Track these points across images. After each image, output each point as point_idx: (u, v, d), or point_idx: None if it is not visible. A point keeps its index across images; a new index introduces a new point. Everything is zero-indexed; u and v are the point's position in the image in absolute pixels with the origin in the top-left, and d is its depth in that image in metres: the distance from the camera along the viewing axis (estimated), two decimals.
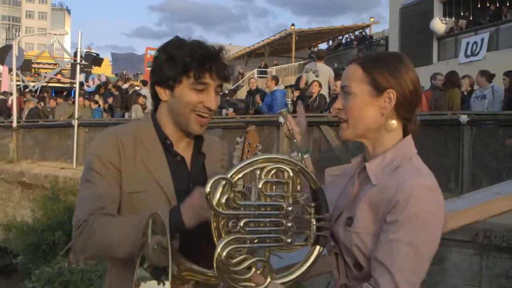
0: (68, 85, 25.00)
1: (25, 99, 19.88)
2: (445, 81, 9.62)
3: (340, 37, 34.25)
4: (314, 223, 1.57)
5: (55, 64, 28.25)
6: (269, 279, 1.50)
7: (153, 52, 25.28)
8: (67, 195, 13.13)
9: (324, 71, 11.08)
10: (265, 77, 29.29)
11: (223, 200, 1.46)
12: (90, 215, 1.80)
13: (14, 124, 16.39)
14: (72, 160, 14.36)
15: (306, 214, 1.57)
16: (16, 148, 16.26)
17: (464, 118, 7.32)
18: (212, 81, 1.88)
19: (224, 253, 1.43)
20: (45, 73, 27.13)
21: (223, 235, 1.46)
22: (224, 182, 1.45)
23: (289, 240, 1.51)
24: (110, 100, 16.91)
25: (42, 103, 19.15)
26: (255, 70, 32.85)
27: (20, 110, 18.47)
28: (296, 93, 12.15)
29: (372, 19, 33.43)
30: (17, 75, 21.44)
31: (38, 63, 28.33)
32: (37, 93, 22.32)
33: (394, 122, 1.73)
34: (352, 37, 31.95)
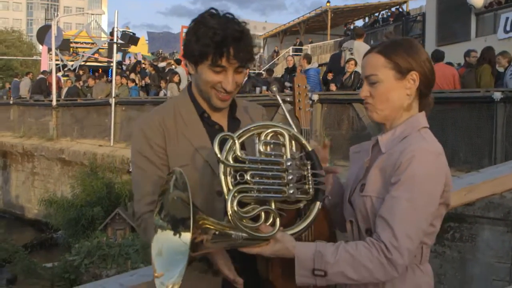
0: (105, 64, 25.35)
1: (64, 78, 20.31)
2: (479, 58, 9.48)
3: (376, 14, 33.78)
4: (311, 178, 1.75)
5: (92, 44, 28.62)
6: (276, 228, 1.67)
7: None
8: (105, 172, 13.46)
9: (362, 49, 10.92)
10: (300, 55, 29.25)
11: (230, 156, 1.66)
12: (145, 212, 1.96)
13: (54, 102, 16.77)
14: (109, 138, 14.69)
15: (303, 169, 1.75)
16: (56, 126, 16.67)
17: (497, 95, 7.24)
18: (229, 65, 1.96)
19: (235, 202, 1.61)
20: (83, 52, 27.53)
21: (231, 186, 1.65)
22: (231, 140, 1.66)
23: (291, 191, 1.70)
24: (146, 78, 17.14)
25: (81, 82, 19.53)
26: (290, 48, 32.70)
27: (60, 89, 18.89)
28: (330, 76, 12.05)
29: None
30: (56, 54, 21.85)
31: (76, 43, 28.72)
32: (75, 72, 22.72)
33: (413, 105, 1.89)
34: (389, 13, 31.47)
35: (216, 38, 1.92)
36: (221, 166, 1.65)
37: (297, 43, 33.75)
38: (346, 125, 9.71)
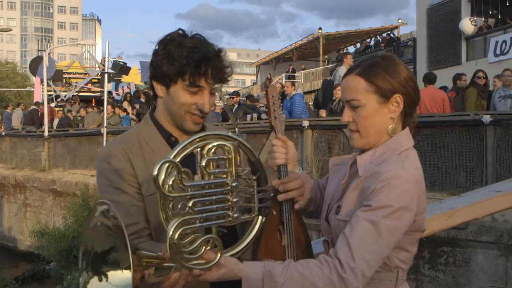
0: (98, 94, 25.35)
1: (57, 108, 20.29)
2: (470, 81, 9.53)
3: (368, 40, 34.07)
4: (257, 195, 1.66)
5: (85, 74, 28.64)
6: (219, 254, 1.56)
7: None
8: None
9: (342, 74, 10.97)
10: (293, 82, 29.38)
11: (170, 182, 1.50)
12: None
13: (46, 133, 16.72)
14: None
15: (248, 187, 1.66)
16: (48, 156, 16.57)
17: (487, 118, 7.22)
18: (206, 84, 1.90)
19: (177, 235, 1.47)
20: (76, 82, 27.54)
21: (172, 217, 1.51)
22: (167, 164, 1.50)
23: (235, 215, 1.59)
24: (137, 106, 17.14)
25: (73, 112, 19.50)
26: (283, 75, 32.88)
27: (52, 119, 18.85)
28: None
29: (400, 21, 33.18)
30: (49, 85, 21.86)
31: (69, 73, 28.72)
32: (66, 101, 22.75)
33: (396, 127, 1.81)
34: (380, 39, 31.75)
35: (194, 57, 1.85)
36: (159, 198, 1.51)
37: (290, 70, 33.95)
38: (337, 151, 9.67)
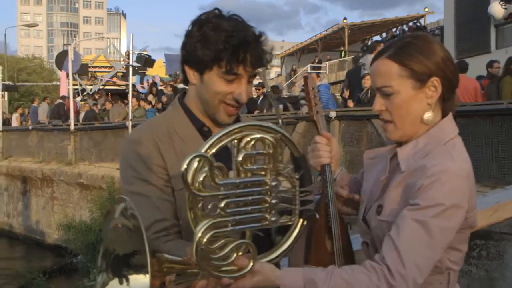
0: (123, 87, 25.47)
1: (82, 102, 20.44)
2: (503, 69, 9.24)
3: (394, 29, 33.59)
4: (298, 198, 1.46)
5: (110, 67, 28.79)
6: (252, 261, 1.38)
7: None
8: None
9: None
10: (319, 72, 29.11)
11: (200, 179, 1.31)
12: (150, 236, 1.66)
13: (72, 127, 16.81)
14: None
15: (290, 188, 1.46)
16: (74, 150, 16.68)
17: None
18: (245, 72, 1.73)
19: (205, 239, 1.29)
20: (101, 76, 27.70)
21: (201, 219, 1.32)
22: (198, 159, 1.30)
23: (273, 219, 1.38)
24: (163, 99, 17.13)
25: (98, 106, 19.61)
26: (308, 66, 32.62)
27: (78, 113, 18.97)
28: (346, 94, 11.88)
29: (426, 9, 32.59)
30: (75, 79, 22.00)
31: (94, 67, 28.91)
32: (91, 95, 22.92)
33: (435, 115, 1.64)
34: (406, 28, 31.28)
35: (233, 41, 1.67)
36: (187, 197, 1.33)
37: (315, 61, 33.66)
38: (365, 142, 9.50)
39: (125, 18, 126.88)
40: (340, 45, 35.60)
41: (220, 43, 1.68)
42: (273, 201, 1.38)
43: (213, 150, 1.35)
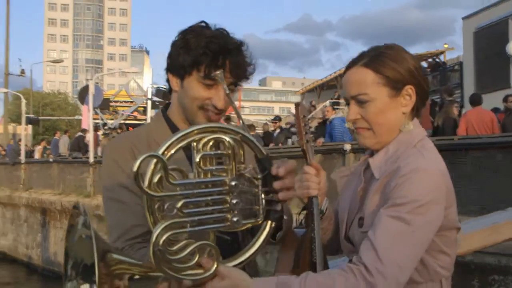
0: (144, 122, 25.76)
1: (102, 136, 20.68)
2: None
3: None
4: (263, 196, 1.42)
5: (131, 102, 29.21)
6: (215, 264, 1.35)
7: None
8: None
9: None
10: (338, 108, 29.12)
11: (155, 180, 1.30)
12: (126, 241, 1.69)
13: (91, 159, 16.95)
14: None
15: (253, 188, 1.42)
16: (93, 182, 16.78)
17: None
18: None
19: (161, 241, 1.27)
20: (123, 111, 28.07)
21: (160, 220, 1.31)
22: (155, 160, 1.30)
23: (235, 219, 1.36)
24: None
25: None
26: (327, 102, 32.65)
27: (97, 146, 19.17)
28: None
29: (445, 45, 32.59)
30: (96, 113, 22.31)
31: (116, 102, 29.39)
32: (112, 129, 23.18)
33: (410, 124, 1.63)
34: (425, 64, 31.26)
35: (212, 46, 1.70)
36: (145, 199, 1.31)
37: (335, 97, 33.68)
38: None
39: (148, 54, 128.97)
40: None
41: (200, 48, 1.71)
42: (234, 201, 1.36)
43: (172, 151, 1.35)
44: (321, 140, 11.55)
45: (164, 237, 1.28)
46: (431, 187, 1.48)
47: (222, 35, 1.77)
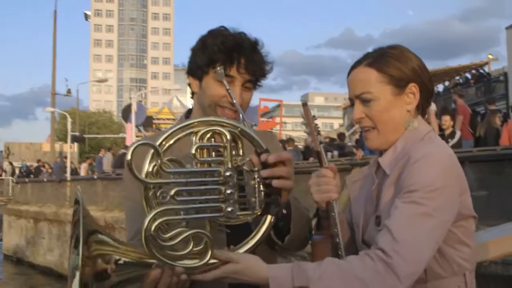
0: None
1: None
2: None
3: (458, 77, 33.02)
4: (261, 189, 1.42)
5: (174, 119, 29.56)
6: (209, 253, 1.37)
7: (266, 103, 25.78)
8: None
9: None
10: None
11: (150, 169, 1.35)
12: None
13: None
14: None
15: (250, 180, 1.43)
16: None
17: None
18: (238, 75, 1.76)
19: (153, 226, 1.30)
20: (165, 128, 28.43)
21: (154, 207, 1.34)
22: (152, 150, 1.35)
23: (229, 209, 1.37)
24: None
25: None
26: None
27: None
28: None
29: (490, 56, 32.00)
30: (140, 130, 22.66)
31: (158, 119, 29.79)
32: None
33: (415, 121, 1.64)
34: (469, 76, 30.71)
35: (227, 43, 1.73)
36: (142, 188, 1.37)
37: None
38: None
39: None
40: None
41: (215, 46, 1.74)
42: (228, 191, 1.38)
43: (171, 142, 1.40)
44: (360, 153, 11.45)
45: (157, 222, 1.31)
46: (442, 170, 1.48)
47: (237, 34, 1.79)
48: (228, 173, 1.39)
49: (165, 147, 1.39)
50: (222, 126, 1.43)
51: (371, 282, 1.35)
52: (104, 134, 50.40)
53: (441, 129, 10.71)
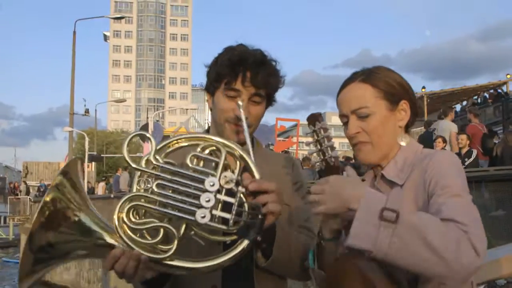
0: None
1: None
2: None
3: (475, 97, 32.84)
4: (236, 208, 1.45)
5: None
6: (174, 247, 1.44)
7: (283, 123, 25.79)
8: None
9: (445, 127, 10.76)
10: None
11: (143, 162, 1.49)
12: None
13: None
14: None
15: (231, 197, 1.47)
16: None
17: None
18: (243, 89, 1.78)
19: (126, 208, 1.44)
20: None
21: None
22: (150, 142, 1.51)
23: (202, 215, 1.42)
24: None
25: None
26: None
27: None
28: None
29: (508, 76, 31.74)
30: None
31: None
32: None
33: (407, 136, 1.69)
34: (487, 95, 30.52)
35: (233, 58, 1.78)
36: (134, 170, 1.51)
37: None
38: None
39: None
40: (420, 114, 34.99)
41: (224, 61, 1.79)
42: (206, 199, 1.44)
43: (176, 146, 1.57)
44: None
45: (130, 205, 1.45)
46: (462, 171, 1.54)
47: (245, 49, 1.82)
48: (211, 183, 1.45)
49: (167, 146, 1.54)
50: (225, 147, 1.54)
51: (457, 245, 1.30)
52: (122, 154, 50.68)
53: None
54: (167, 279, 1.65)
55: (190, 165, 1.49)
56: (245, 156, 1.54)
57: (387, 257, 1.33)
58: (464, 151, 9.76)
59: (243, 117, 1.70)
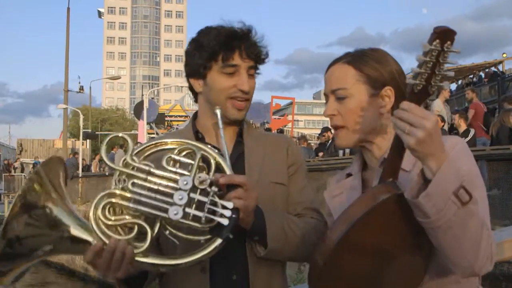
0: None
1: None
2: None
3: (471, 76, 32.78)
4: (208, 206, 1.47)
5: (186, 117, 29.66)
6: (147, 242, 1.48)
7: (278, 101, 25.75)
8: None
9: (433, 106, 10.76)
10: None
11: (120, 163, 1.54)
12: None
13: None
14: None
15: (203, 196, 1.49)
16: None
17: None
18: (242, 62, 1.77)
19: (102, 204, 1.49)
20: (177, 125, 28.51)
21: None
22: (126, 143, 1.57)
23: (174, 212, 1.45)
24: None
25: None
26: None
27: None
28: None
29: (504, 55, 31.64)
30: (152, 128, 22.73)
31: (171, 116, 29.91)
32: None
33: (389, 123, 1.61)
34: (483, 74, 30.47)
35: (222, 35, 1.76)
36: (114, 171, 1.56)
37: None
38: None
39: None
40: None
41: (212, 41, 1.76)
42: (179, 197, 1.47)
43: (154, 150, 1.64)
44: None
45: (106, 201, 1.50)
46: (471, 154, 1.53)
47: (227, 26, 1.81)
48: (184, 182, 1.48)
49: (143, 150, 1.63)
50: (202, 150, 1.57)
51: (481, 241, 1.34)
52: (117, 131, 50.65)
53: (454, 128, 10.65)
54: (144, 280, 1.70)
55: (166, 167, 1.53)
56: (219, 159, 1.57)
57: (436, 229, 1.31)
58: (461, 130, 9.75)
59: (220, 124, 1.74)
